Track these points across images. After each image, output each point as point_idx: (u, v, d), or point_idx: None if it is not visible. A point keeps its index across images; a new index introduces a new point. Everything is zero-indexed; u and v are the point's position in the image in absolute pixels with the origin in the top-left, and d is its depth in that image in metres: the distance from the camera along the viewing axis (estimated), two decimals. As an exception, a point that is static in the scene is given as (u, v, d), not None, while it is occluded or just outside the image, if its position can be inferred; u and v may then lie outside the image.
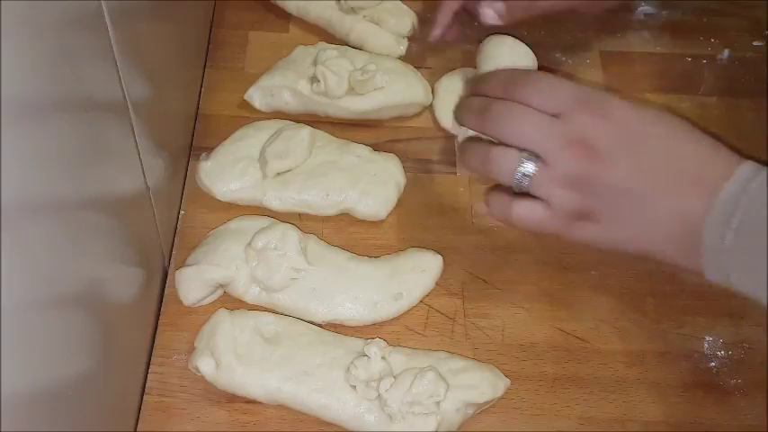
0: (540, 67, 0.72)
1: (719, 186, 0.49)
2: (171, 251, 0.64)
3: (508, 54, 0.70)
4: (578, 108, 0.52)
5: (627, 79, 0.78)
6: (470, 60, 0.79)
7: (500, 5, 0.69)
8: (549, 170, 0.52)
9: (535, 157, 0.52)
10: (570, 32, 0.81)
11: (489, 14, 0.70)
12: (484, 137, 0.56)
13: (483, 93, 0.57)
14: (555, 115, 0.52)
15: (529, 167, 0.52)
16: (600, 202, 0.52)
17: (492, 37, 0.71)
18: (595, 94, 0.54)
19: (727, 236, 0.48)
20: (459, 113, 0.58)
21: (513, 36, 0.71)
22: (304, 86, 0.71)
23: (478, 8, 0.70)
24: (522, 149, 0.53)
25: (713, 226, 0.49)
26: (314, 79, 0.70)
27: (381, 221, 0.67)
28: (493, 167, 0.54)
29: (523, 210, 0.54)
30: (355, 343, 0.58)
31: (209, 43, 0.79)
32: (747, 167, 0.50)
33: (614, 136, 0.52)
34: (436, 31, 0.74)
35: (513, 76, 0.57)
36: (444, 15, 0.73)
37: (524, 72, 0.60)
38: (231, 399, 0.56)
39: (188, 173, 0.69)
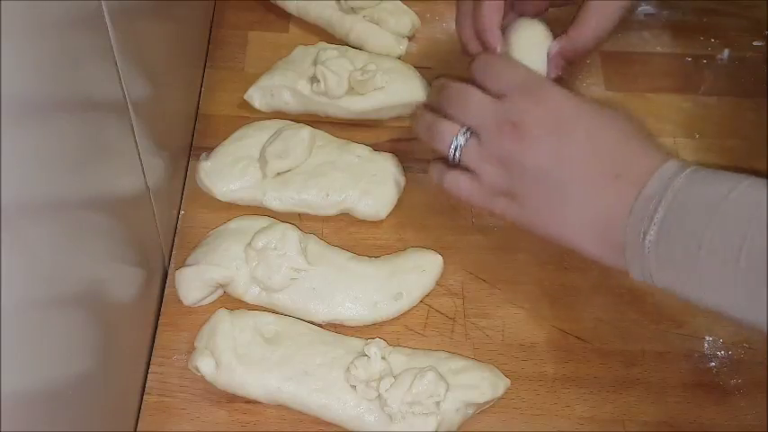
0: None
1: (643, 182, 0.50)
2: (171, 251, 0.64)
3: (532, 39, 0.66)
4: (518, 92, 0.56)
5: (627, 79, 0.78)
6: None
7: (562, 63, 0.65)
8: (480, 146, 0.57)
9: (472, 133, 0.57)
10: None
11: (553, 75, 0.65)
12: None
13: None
14: (499, 96, 0.56)
15: (461, 140, 0.57)
16: (521, 183, 0.55)
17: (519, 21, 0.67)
18: (540, 81, 0.58)
19: (650, 232, 0.49)
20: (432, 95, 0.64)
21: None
22: (304, 86, 0.71)
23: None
24: (462, 125, 0.57)
25: (635, 221, 0.50)
26: (314, 79, 0.70)
27: (381, 221, 0.67)
28: (434, 137, 0.59)
29: (454, 179, 0.58)
30: (355, 343, 0.58)
31: (209, 43, 0.79)
32: (673, 164, 0.50)
33: (543, 121, 0.55)
34: (497, 44, 0.65)
35: (480, 60, 0.61)
36: (493, 21, 0.66)
37: (492, 57, 0.62)
38: (231, 399, 0.56)
39: (188, 173, 0.69)
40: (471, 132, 0.57)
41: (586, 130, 0.54)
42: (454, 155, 0.58)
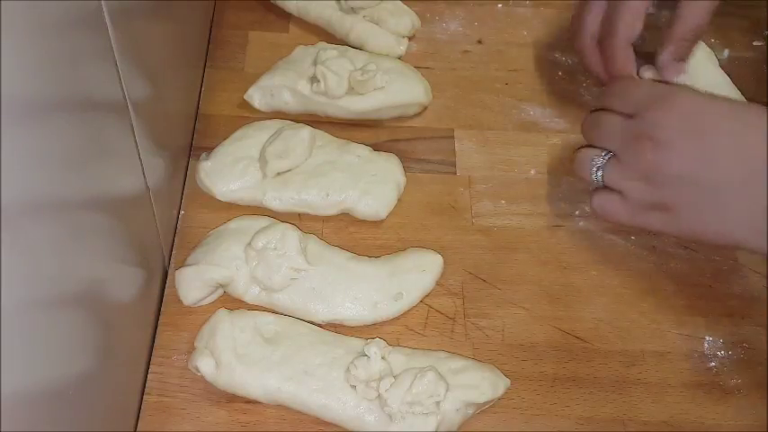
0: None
1: None
2: (171, 251, 0.64)
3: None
4: (648, 105, 0.57)
5: (627, 79, 0.78)
6: (469, 61, 0.80)
7: (681, 66, 0.67)
8: (620, 165, 0.58)
9: (611, 155, 0.59)
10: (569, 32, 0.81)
11: (676, 79, 0.66)
12: None
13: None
14: (631, 115, 0.58)
15: (599, 161, 0.59)
16: (671, 193, 0.56)
17: None
18: (667, 89, 0.59)
19: None
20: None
21: None
22: (304, 86, 0.71)
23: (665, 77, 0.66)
24: (601, 150, 0.59)
25: None
26: (314, 79, 0.70)
27: (381, 221, 0.67)
28: (576, 164, 0.62)
29: (600, 201, 0.60)
30: (355, 343, 0.58)
31: (209, 43, 0.79)
32: None
33: (681, 127, 0.55)
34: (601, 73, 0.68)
35: (609, 86, 0.63)
36: (592, 53, 0.68)
37: (615, 80, 0.64)
38: (231, 399, 0.56)
39: (188, 173, 0.69)
40: (610, 155, 0.59)
41: (729, 128, 0.54)
42: (596, 178, 0.59)
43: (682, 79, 0.67)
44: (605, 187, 0.60)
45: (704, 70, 0.70)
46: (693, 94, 0.58)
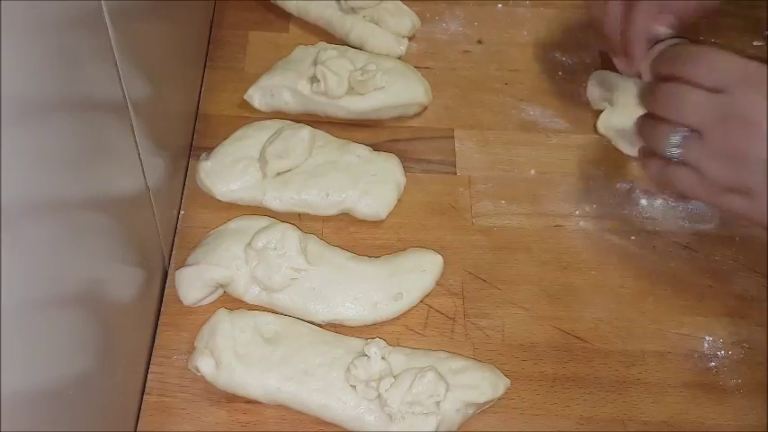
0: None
1: None
2: (171, 251, 0.64)
3: None
4: (741, 84, 0.54)
5: (627, 79, 0.78)
6: (470, 60, 0.79)
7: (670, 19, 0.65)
8: (704, 143, 0.54)
9: (692, 131, 0.55)
10: (570, 32, 0.81)
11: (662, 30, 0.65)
12: None
13: (655, 74, 0.60)
14: (718, 90, 0.54)
15: (677, 138, 0.55)
16: (754, 178, 0.53)
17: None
18: (760, 67, 0.55)
19: None
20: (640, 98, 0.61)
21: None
22: (304, 86, 0.71)
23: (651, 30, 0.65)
24: (682, 125, 0.55)
25: None
26: (314, 79, 0.70)
27: (381, 221, 0.67)
28: (647, 137, 0.58)
29: (678, 174, 0.56)
30: (355, 343, 0.58)
31: (209, 43, 0.79)
32: None
33: None
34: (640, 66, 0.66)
35: (678, 54, 0.58)
36: (640, 44, 0.65)
37: (689, 49, 0.59)
38: (231, 399, 0.56)
39: (188, 173, 0.69)
40: (692, 130, 0.55)
41: None
42: (673, 153, 0.56)
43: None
44: (675, 161, 0.56)
45: None
46: None
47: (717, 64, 0.56)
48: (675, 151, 0.56)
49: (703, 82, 0.55)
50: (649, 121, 0.58)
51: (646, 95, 0.60)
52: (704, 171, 0.55)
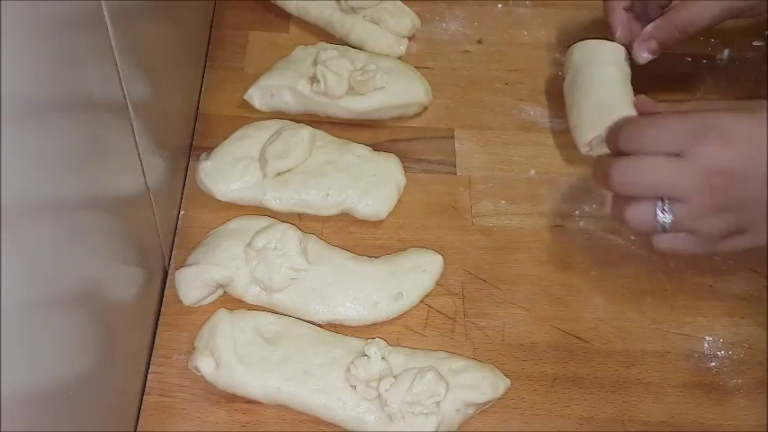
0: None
1: None
2: (171, 251, 0.64)
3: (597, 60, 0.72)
4: (698, 141, 0.53)
5: (627, 79, 0.78)
6: (469, 61, 0.80)
7: (654, 43, 0.70)
8: (689, 209, 0.54)
9: (669, 201, 0.54)
10: (570, 32, 0.81)
11: (643, 57, 0.70)
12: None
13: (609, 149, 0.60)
14: (677, 154, 0.53)
15: (666, 217, 0.55)
16: (746, 216, 0.54)
17: (577, 46, 0.73)
18: (707, 120, 0.54)
19: None
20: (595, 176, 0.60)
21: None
22: (304, 86, 0.71)
23: (634, 54, 0.71)
24: (656, 199, 0.55)
25: None
26: (314, 79, 0.70)
27: (381, 221, 0.67)
28: (633, 222, 0.56)
29: (669, 242, 0.56)
30: (355, 343, 0.58)
31: (209, 43, 0.79)
32: None
33: (744, 154, 0.53)
34: (619, 32, 0.72)
35: (625, 130, 0.57)
36: (617, 15, 0.72)
37: (633, 122, 0.59)
38: (231, 399, 0.56)
39: (188, 173, 0.69)
40: (668, 202, 0.54)
41: None
42: (662, 227, 0.55)
43: (644, 58, 0.70)
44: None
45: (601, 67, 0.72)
46: (733, 116, 0.54)
47: (664, 129, 0.55)
48: (664, 224, 0.55)
49: (659, 150, 0.55)
50: (618, 200, 0.57)
51: (596, 177, 0.59)
52: (698, 232, 0.55)
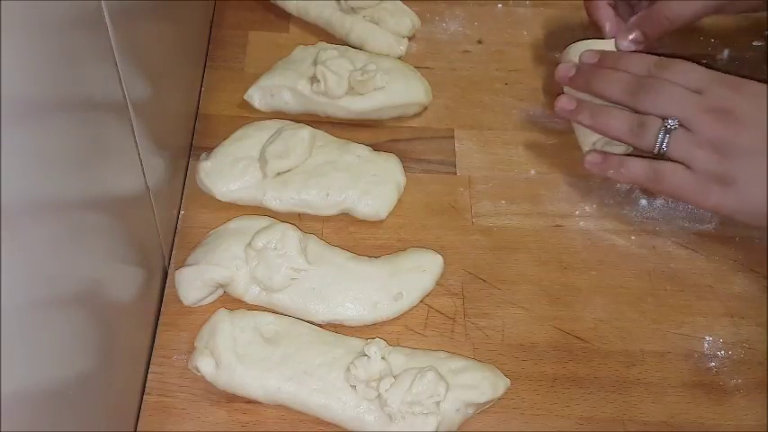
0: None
1: None
2: (171, 251, 0.64)
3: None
4: (716, 84, 0.60)
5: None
6: (469, 61, 0.80)
7: (638, 33, 0.71)
8: (690, 134, 0.59)
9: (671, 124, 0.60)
10: (570, 32, 0.81)
11: (624, 44, 0.71)
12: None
13: (625, 69, 0.64)
14: (696, 91, 0.60)
15: (666, 128, 0.60)
16: (739, 166, 0.58)
17: (575, 45, 0.73)
18: (730, 75, 0.61)
19: None
20: (596, 83, 0.65)
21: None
22: (304, 86, 0.71)
23: (616, 40, 0.72)
24: (664, 117, 0.60)
25: None
26: (314, 79, 0.70)
27: (381, 221, 0.67)
28: (637, 132, 0.61)
29: (668, 169, 0.60)
30: (355, 343, 0.58)
31: (209, 43, 0.79)
32: None
33: (751, 104, 0.58)
34: (608, 27, 0.72)
35: (658, 59, 0.64)
36: (603, 12, 0.73)
37: (666, 58, 0.65)
38: (231, 399, 0.56)
39: (188, 173, 0.69)
40: (675, 123, 0.60)
41: None
42: (661, 147, 0.60)
43: (626, 45, 0.71)
44: (661, 156, 0.60)
45: None
46: (756, 82, 0.60)
47: (692, 69, 0.62)
48: (663, 144, 0.60)
49: (683, 83, 0.61)
50: (627, 115, 0.62)
51: (616, 86, 0.64)
52: (692, 162, 0.59)
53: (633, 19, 0.71)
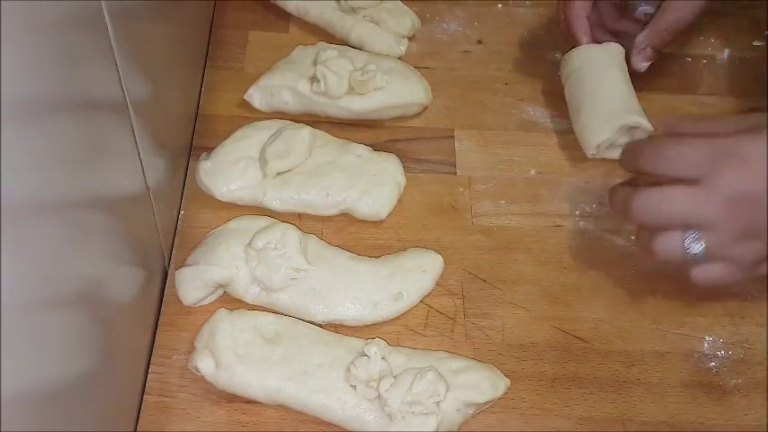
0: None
1: None
2: (171, 251, 0.64)
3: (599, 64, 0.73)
4: (717, 167, 0.53)
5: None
6: (469, 61, 0.80)
7: (649, 51, 0.72)
8: (718, 236, 0.53)
9: (697, 231, 0.54)
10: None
11: (643, 66, 0.73)
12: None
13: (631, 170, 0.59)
14: (697, 179, 0.53)
15: (698, 247, 0.54)
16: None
17: (578, 50, 0.74)
18: (725, 144, 0.53)
19: None
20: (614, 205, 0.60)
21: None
22: (304, 86, 0.71)
23: (634, 65, 0.73)
24: (684, 230, 0.54)
25: None
26: (314, 79, 0.70)
27: (381, 221, 0.67)
28: (663, 255, 0.55)
29: (708, 272, 0.55)
30: (355, 343, 0.58)
31: (209, 43, 0.79)
32: None
33: (764, 176, 0.52)
34: (585, 41, 0.74)
35: (645, 152, 0.57)
36: (581, 24, 0.74)
37: (652, 145, 0.58)
38: (231, 399, 0.56)
39: (188, 173, 0.69)
40: (696, 232, 0.54)
41: None
42: (695, 255, 0.54)
43: (644, 66, 0.73)
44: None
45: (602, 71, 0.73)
46: (751, 137, 0.53)
47: (683, 155, 0.55)
48: (698, 252, 0.54)
49: (680, 175, 0.54)
50: (646, 235, 0.57)
51: (616, 207, 0.59)
52: (732, 258, 0.54)
53: (640, 38, 0.72)
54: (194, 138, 0.72)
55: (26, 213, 0.35)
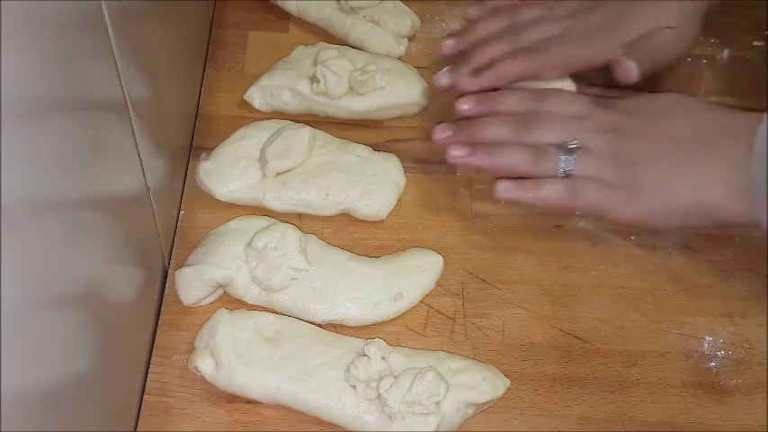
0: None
1: (753, 130, 0.55)
2: (171, 251, 0.64)
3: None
4: (598, 108, 0.63)
5: (627, 79, 0.78)
6: (470, 60, 0.79)
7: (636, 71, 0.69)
8: (589, 152, 0.60)
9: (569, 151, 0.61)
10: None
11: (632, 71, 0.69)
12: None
13: (504, 111, 0.65)
14: (579, 117, 0.62)
15: (572, 143, 0.61)
16: (642, 171, 0.59)
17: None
18: (605, 97, 0.64)
19: None
20: (480, 132, 0.64)
21: None
22: (304, 86, 0.71)
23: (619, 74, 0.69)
24: (558, 146, 0.61)
25: (759, 160, 0.54)
26: (314, 79, 0.70)
27: (381, 221, 0.67)
28: (541, 158, 0.61)
29: (581, 184, 0.60)
30: (355, 343, 0.58)
31: (209, 43, 0.79)
32: None
33: (637, 116, 0.62)
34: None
35: (533, 92, 0.66)
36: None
37: (541, 89, 0.67)
38: (231, 399, 0.56)
39: (188, 173, 0.69)
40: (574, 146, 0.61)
41: (681, 111, 0.62)
42: (566, 168, 0.61)
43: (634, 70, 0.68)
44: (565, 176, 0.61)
45: None
46: (632, 94, 0.65)
47: (571, 98, 0.65)
48: (567, 164, 0.60)
49: (565, 113, 0.63)
50: (521, 150, 0.62)
51: (503, 126, 0.63)
52: (600, 174, 0.60)
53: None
54: (194, 138, 0.72)
55: (26, 213, 0.35)
